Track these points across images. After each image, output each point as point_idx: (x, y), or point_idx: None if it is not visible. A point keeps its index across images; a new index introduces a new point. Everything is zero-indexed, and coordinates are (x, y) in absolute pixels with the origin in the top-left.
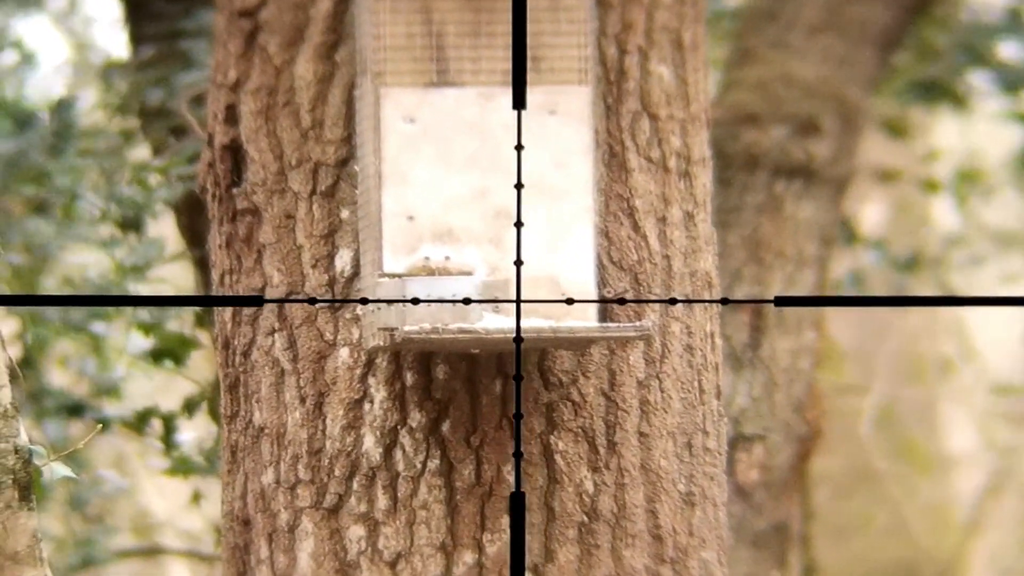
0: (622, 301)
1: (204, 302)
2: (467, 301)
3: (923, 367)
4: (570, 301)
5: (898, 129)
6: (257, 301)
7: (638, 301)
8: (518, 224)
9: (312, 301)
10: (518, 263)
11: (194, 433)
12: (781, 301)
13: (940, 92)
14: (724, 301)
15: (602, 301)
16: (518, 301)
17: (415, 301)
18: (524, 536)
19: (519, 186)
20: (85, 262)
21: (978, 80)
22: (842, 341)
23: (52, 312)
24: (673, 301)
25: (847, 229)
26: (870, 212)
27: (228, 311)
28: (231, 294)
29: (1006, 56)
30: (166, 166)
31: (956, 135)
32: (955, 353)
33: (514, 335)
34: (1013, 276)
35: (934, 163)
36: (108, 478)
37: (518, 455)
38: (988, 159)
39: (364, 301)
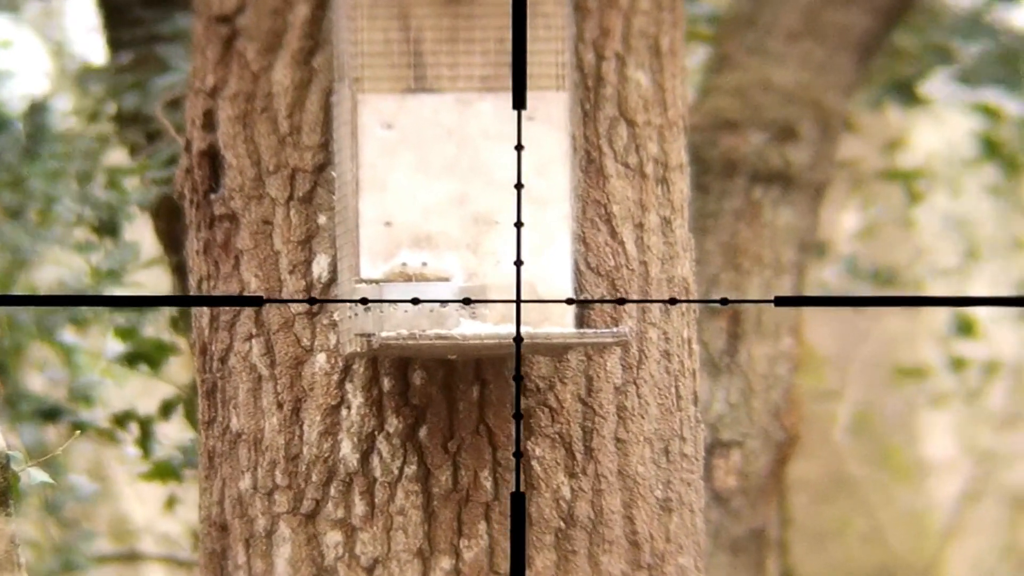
0: (622, 301)
1: (202, 302)
2: (468, 301)
3: (901, 373)
4: (570, 301)
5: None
6: (257, 301)
7: (639, 301)
8: (518, 224)
9: (312, 301)
10: (518, 263)
11: (171, 439)
12: (781, 301)
13: (909, 94)
14: (724, 301)
15: (601, 302)
16: (518, 301)
17: (415, 301)
18: (524, 536)
19: (519, 186)
20: (61, 266)
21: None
22: (820, 347)
23: (27, 316)
24: (673, 301)
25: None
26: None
27: (206, 316)
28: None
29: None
30: (139, 168)
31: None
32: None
33: (513, 336)
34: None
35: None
36: (81, 483)
37: (518, 455)
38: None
39: (364, 301)
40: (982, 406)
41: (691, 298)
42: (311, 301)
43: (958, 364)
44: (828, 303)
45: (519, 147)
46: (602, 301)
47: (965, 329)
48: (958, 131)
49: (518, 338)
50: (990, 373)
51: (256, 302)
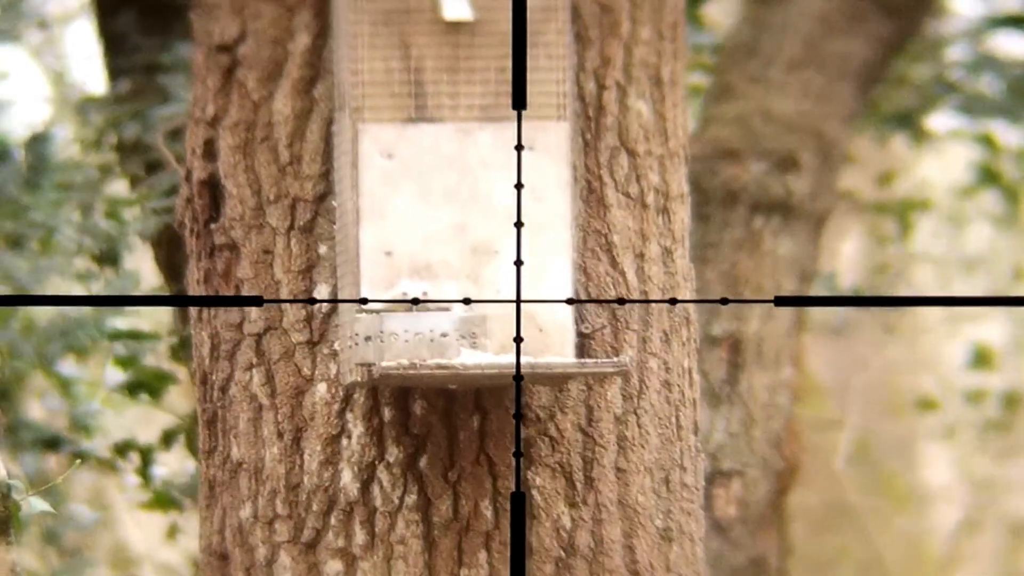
0: (621, 301)
1: (202, 302)
2: (467, 301)
3: (900, 401)
4: (570, 301)
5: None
6: (256, 301)
7: (635, 301)
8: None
9: (312, 301)
10: (518, 262)
11: (169, 468)
12: (781, 301)
13: (913, 127)
14: (724, 301)
15: (600, 302)
16: (518, 301)
17: (466, 302)
18: (524, 536)
19: (519, 187)
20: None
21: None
22: (820, 376)
23: (28, 346)
24: (673, 301)
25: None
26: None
27: (206, 346)
28: (209, 329)
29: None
30: (140, 198)
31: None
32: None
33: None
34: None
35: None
36: (81, 512)
37: (518, 455)
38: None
39: (363, 301)
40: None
41: (691, 317)
42: (312, 301)
43: (975, 396)
44: (828, 303)
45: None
46: (600, 302)
47: (982, 360)
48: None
49: (518, 338)
50: (1011, 406)
51: (256, 302)
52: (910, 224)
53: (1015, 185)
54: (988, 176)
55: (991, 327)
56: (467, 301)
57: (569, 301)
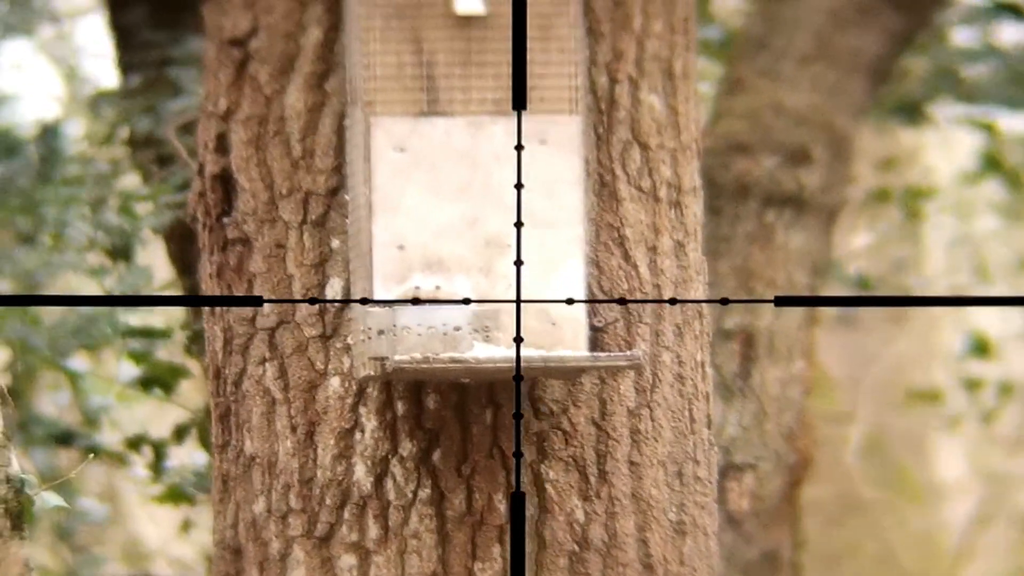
0: (622, 301)
1: (205, 302)
2: (472, 293)
3: (915, 397)
4: (570, 301)
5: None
6: (256, 301)
7: (635, 301)
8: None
9: (312, 301)
10: (518, 262)
11: (182, 462)
12: (781, 301)
13: (915, 113)
14: (724, 301)
15: (598, 301)
16: (518, 301)
17: (467, 301)
18: (524, 536)
19: (519, 186)
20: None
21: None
22: (831, 369)
23: (40, 341)
24: (673, 301)
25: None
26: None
27: (219, 340)
28: (222, 323)
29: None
30: (153, 193)
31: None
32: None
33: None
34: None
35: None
36: (93, 507)
37: (518, 455)
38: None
39: (363, 301)
40: (994, 428)
41: (703, 311)
42: (312, 301)
43: (973, 385)
44: (828, 303)
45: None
46: (601, 301)
47: (980, 349)
48: (964, 151)
49: (518, 337)
50: (1004, 394)
51: (255, 302)
52: (917, 213)
53: (1018, 171)
54: (991, 164)
55: (994, 316)
56: (466, 301)
57: (568, 301)
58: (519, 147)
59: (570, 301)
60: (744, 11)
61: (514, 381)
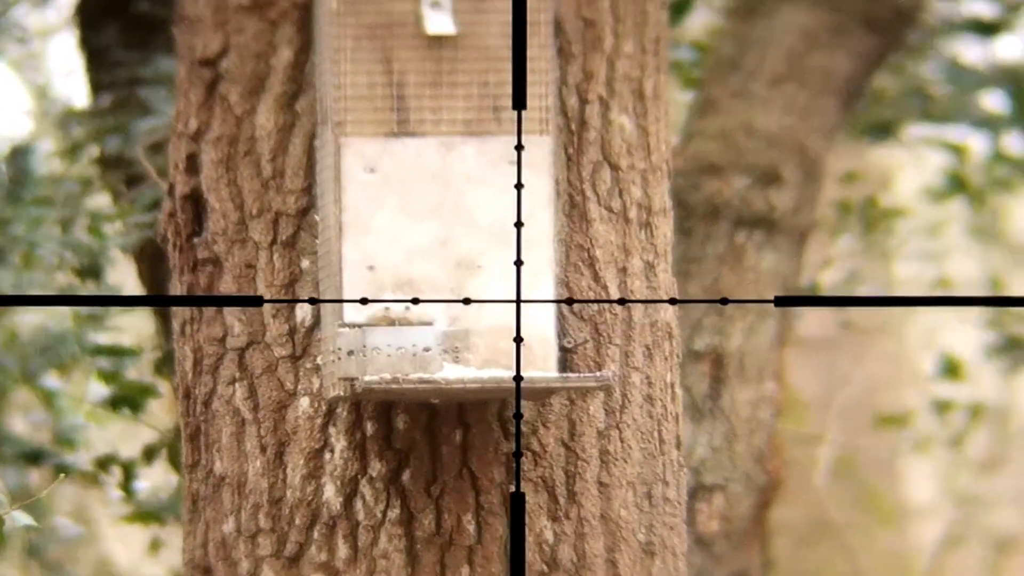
0: (622, 301)
1: (202, 302)
2: (467, 300)
3: (882, 420)
4: (570, 301)
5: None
6: (257, 301)
7: (635, 302)
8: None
9: (312, 301)
10: (519, 262)
11: (151, 482)
12: (781, 301)
13: (885, 132)
14: (724, 301)
15: (596, 301)
16: (518, 301)
17: (467, 301)
18: (524, 537)
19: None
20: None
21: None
22: (802, 391)
23: (10, 360)
24: (673, 301)
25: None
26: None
27: (189, 360)
28: (191, 343)
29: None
30: (121, 212)
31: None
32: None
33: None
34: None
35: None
36: (64, 526)
37: (518, 455)
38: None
39: (364, 301)
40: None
41: (673, 332)
42: (313, 301)
43: (943, 407)
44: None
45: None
46: (598, 301)
47: (950, 371)
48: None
49: (518, 337)
50: (974, 417)
51: (256, 302)
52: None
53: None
54: (957, 184)
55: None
56: (467, 301)
57: (569, 301)
58: (519, 147)
59: (570, 301)
60: (716, 31)
61: (514, 381)
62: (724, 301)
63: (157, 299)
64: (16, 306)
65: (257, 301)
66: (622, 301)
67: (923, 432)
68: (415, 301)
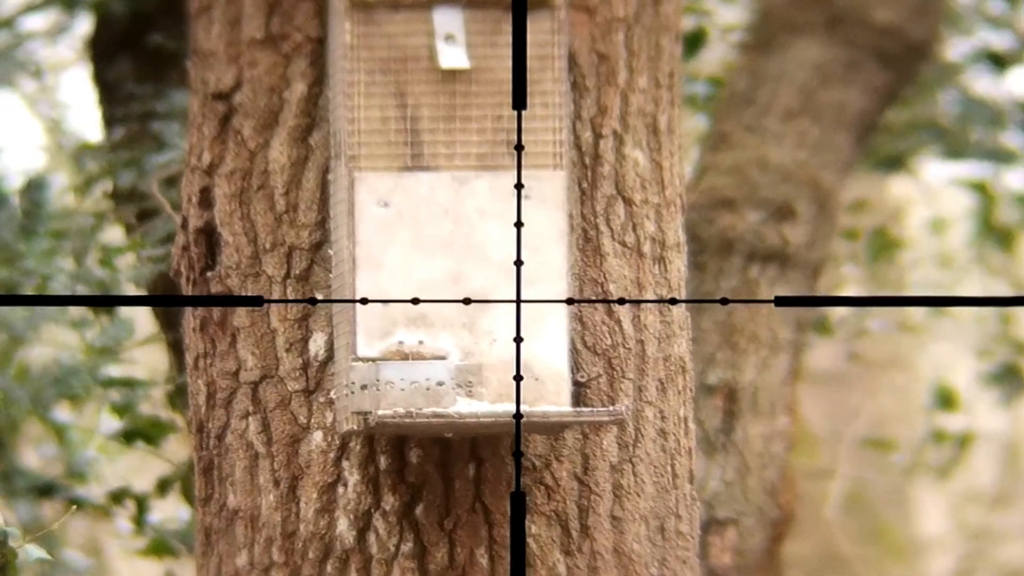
0: (622, 301)
1: (201, 302)
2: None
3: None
4: (570, 301)
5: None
6: (257, 301)
7: (635, 302)
8: (518, 302)
9: (312, 301)
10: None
11: (164, 515)
12: (781, 301)
13: (901, 167)
14: (724, 301)
15: (600, 302)
16: (518, 301)
17: (466, 302)
18: (524, 537)
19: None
20: (56, 344)
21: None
22: (813, 425)
23: (22, 392)
24: (673, 301)
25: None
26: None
27: (202, 394)
28: (205, 377)
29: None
30: (134, 245)
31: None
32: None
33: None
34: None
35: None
36: (76, 559)
37: (518, 455)
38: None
39: (364, 301)
40: (973, 483)
41: (687, 366)
42: (312, 302)
43: (938, 437)
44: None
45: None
46: (600, 301)
47: (945, 402)
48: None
49: (518, 337)
50: (963, 445)
51: (256, 302)
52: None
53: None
54: (984, 221)
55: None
56: (467, 301)
57: (569, 301)
58: (518, 184)
59: (570, 301)
60: (730, 66)
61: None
62: (724, 301)
63: (159, 299)
64: (15, 305)
65: (257, 301)
66: (622, 301)
67: (921, 459)
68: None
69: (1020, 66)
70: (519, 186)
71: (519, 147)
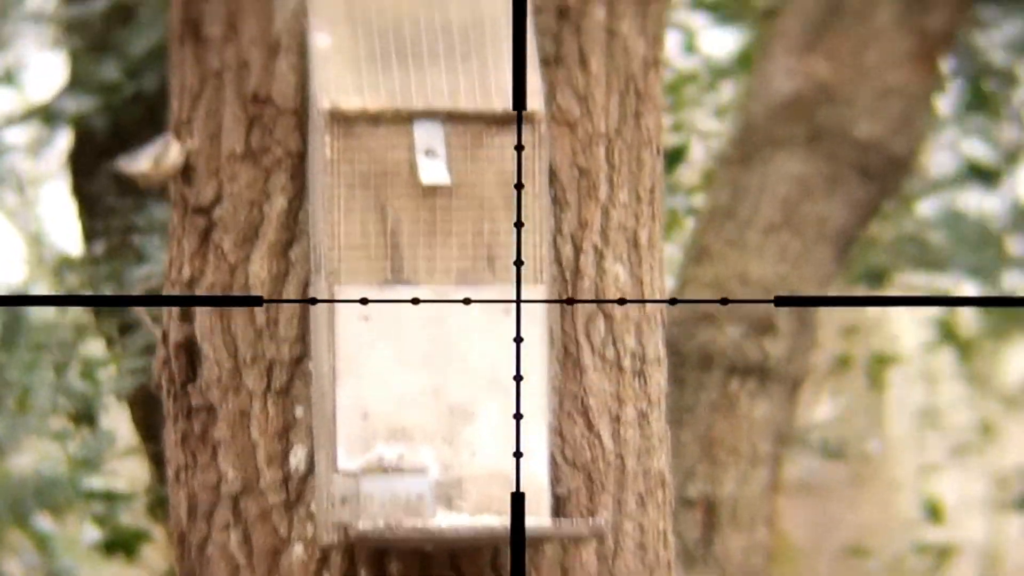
0: (622, 301)
1: (199, 302)
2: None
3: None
4: (570, 301)
5: None
6: (257, 301)
7: (635, 301)
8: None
9: (312, 301)
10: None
11: None
12: (781, 301)
13: (882, 282)
14: (723, 301)
15: (600, 301)
16: (518, 301)
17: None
18: (524, 537)
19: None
20: (38, 454)
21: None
22: (793, 536)
23: (2, 502)
24: (673, 301)
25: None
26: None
27: (183, 506)
28: (186, 490)
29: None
30: (114, 359)
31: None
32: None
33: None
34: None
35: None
36: None
37: (518, 455)
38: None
39: (362, 301)
40: None
41: (666, 479)
42: (312, 301)
43: (921, 549)
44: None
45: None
46: (600, 301)
47: (933, 515)
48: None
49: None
50: (943, 557)
51: (256, 302)
52: (882, 380)
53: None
54: (947, 333)
55: (954, 481)
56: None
57: (569, 301)
58: (519, 148)
59: (570, 301)
60: (711, 179)
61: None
62: (724, 301)
63: (144, 299)
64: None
65: (257, 301)
66: (622, 301)
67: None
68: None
69: (1007, 178)
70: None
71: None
